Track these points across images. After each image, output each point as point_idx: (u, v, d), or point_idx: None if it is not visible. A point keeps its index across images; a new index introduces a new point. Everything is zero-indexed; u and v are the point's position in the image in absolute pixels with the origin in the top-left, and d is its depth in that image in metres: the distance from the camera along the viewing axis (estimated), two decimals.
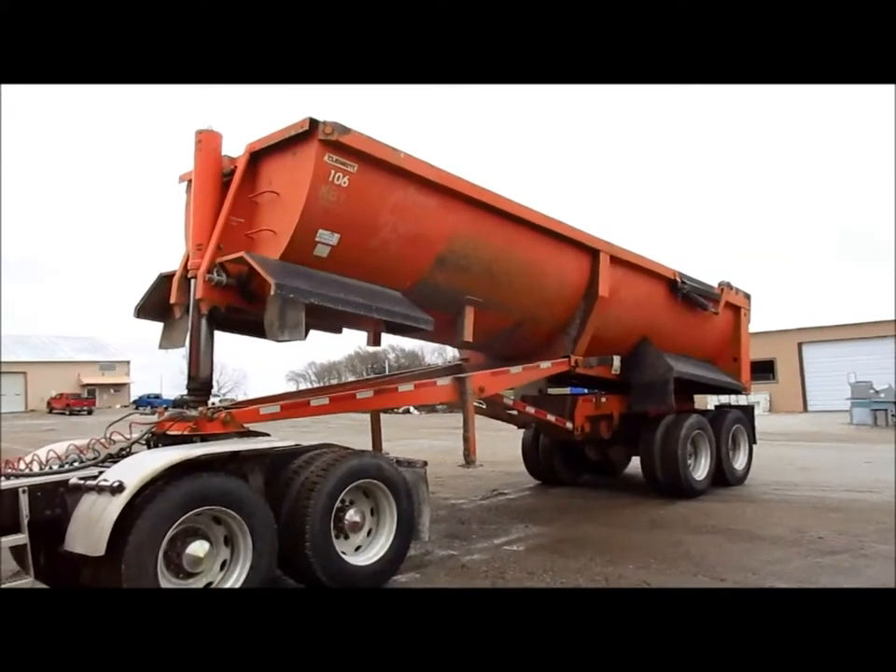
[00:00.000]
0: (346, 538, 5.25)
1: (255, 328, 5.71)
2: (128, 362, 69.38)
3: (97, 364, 66.41)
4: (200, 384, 5.39)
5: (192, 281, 5.34)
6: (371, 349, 76.87)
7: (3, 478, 4.28)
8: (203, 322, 5.34)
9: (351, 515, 5.24)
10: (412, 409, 46.84)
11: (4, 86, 7.10)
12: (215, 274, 5.21)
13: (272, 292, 4.85)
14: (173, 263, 5.86)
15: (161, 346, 6.04)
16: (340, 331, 6.92)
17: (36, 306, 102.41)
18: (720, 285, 10.15)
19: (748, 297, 10.84)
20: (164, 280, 5.83)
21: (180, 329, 5.81)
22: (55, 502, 4.24)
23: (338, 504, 5.09)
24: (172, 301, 5.63)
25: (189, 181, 5.84)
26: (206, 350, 5.38)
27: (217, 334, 5.58)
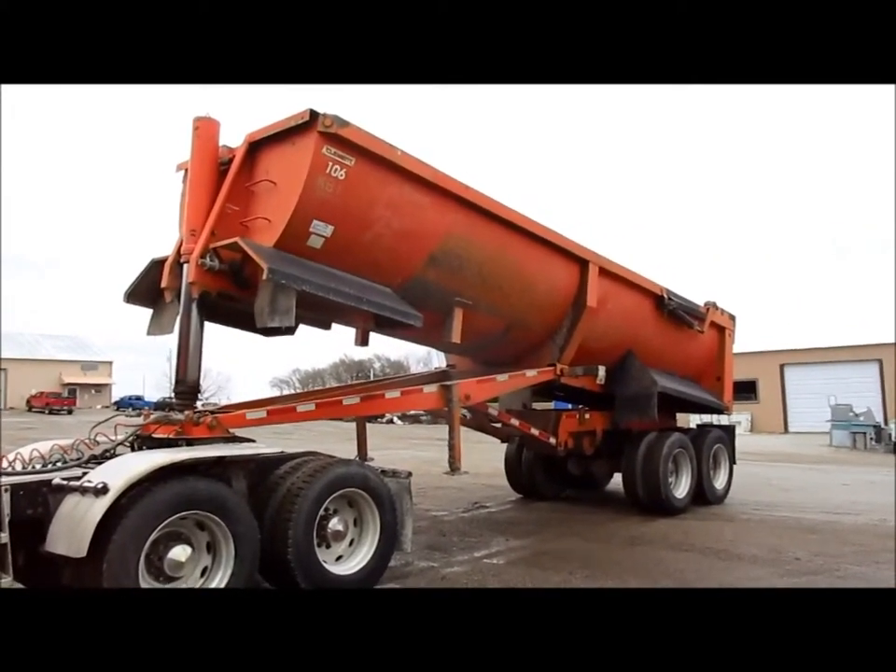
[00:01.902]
0: (328, 547, 5.25)
1: (243, 319, 5.76)
2: (110, 363, 68.63)
3: (79, 363, 65.66)
4: (188, 386, 5.40)
5: (185, 266, 5.37)
6: (357, 357, 77.31)
7: None
8: (194, 307, 5.36)
9: (334, 524, 5.24)
10: (395, 419, 46.74)
11: (4, 86, 7.04)
12: (207, 259, 5.26)
13: (264, 276, 4.88)
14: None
15: (149, 332, 6.05)
16: (329, 327, 6.94)
17: (22, 303, 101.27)
18: (706, 304, 10.28)
19: (733, 318, 10.98)
20: (156, 265, 5.85)
21: (169, 315, 5.83)
22: (37, 502, 4.20)
23: (321, 512, 5.10)
24: (163, 285, 5.65)
25: (186, 170, 5.88)
26: (196, 340, 5.40)
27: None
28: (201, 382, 5.67)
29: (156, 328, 6.00)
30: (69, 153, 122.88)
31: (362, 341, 7.63)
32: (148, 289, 5.92)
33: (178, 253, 5.54)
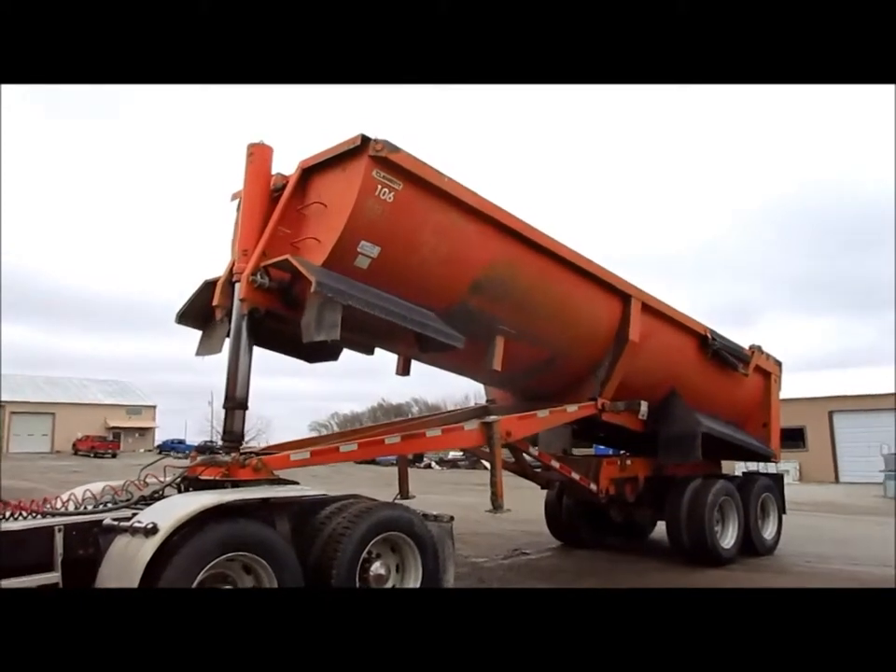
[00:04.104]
0: None
1: (290, 343, 6.01)
2: (154, 406, 70.00)
3: (124, 407, 67.13)
4: (237, 403, 5.54)
5: (236, 286, 5.57)
6: (395, 401, 77.53)
7: (40, 516, 4.39)
8: (244, 324, 5.52)
9: (376, 568, 5.22)
10: (433, 463, 46.55)
11: (4, 86, 7.27)
12: (258, 277, 5.46)
13: (312, 289, 5.03)
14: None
15: (198, 353, 6.19)
16: (372, 351, 7.05)
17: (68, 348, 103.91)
18: (751, 347, 10.13)
19: (779, 364, 10.77)
20: (208, 287, 6.05)
21: (219, 335, 5.99)
22: (89, 542, 4.33)
23: (364, 555, 5.09)
24: (214, 303, 5.82)
25: (240, 199, 6.13)
26: (245, 358, 5.55)
27: None
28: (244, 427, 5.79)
29: (205, 348, 6.15)
30: (104, 180, 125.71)
31: (403, 369, 7.69)
32: (200, 311, 6.12)
33: (230, 273, 5.75)
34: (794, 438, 32.35)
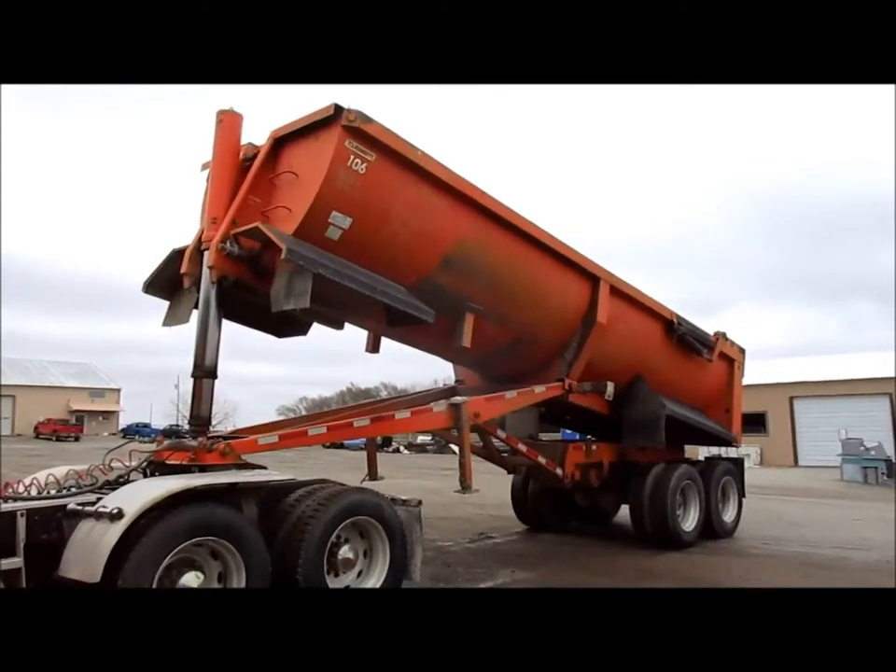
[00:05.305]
0: (336, 575, 5.25)
1: (259, 317, 5.98)
2: (118, 390, 68.83)
3: (87, 390, 65.88)
4: (205, 371, 5.48)
5: (205, 254, 5.50)
6: (363, 386, 77.38)
7: (1, 500, 4.32)
8: (213, 293, 5.44)
9: (344, 552, 5.26)
10: (402, 448, 46.68)
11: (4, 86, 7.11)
12: (228, 244, 5.40)
13: (282, 256, 5.00)
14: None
15: (165, 323, 6.10)
16: (341, 326, 6.98)
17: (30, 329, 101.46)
18: (715, 334, 10.30)
19: (742, 351, 10.98)
20: (177, 255, 5.96)
21: (186, 304, 5.91)
22: (52, 527, 4.27)
23: (333, 538, 5.11)
24: (182, 271, 5.75)
25: (210, 168, 6.03)
26: (214, 327, 5.49)
27: None
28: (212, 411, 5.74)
29: (172, 318, 6.06)
30: (80, 166, 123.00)
31: (373, 347, 7.68)
32: (167, 280, 6.04)
33: (199, 241, 5.68)
34: (756, 423, 33.17)
